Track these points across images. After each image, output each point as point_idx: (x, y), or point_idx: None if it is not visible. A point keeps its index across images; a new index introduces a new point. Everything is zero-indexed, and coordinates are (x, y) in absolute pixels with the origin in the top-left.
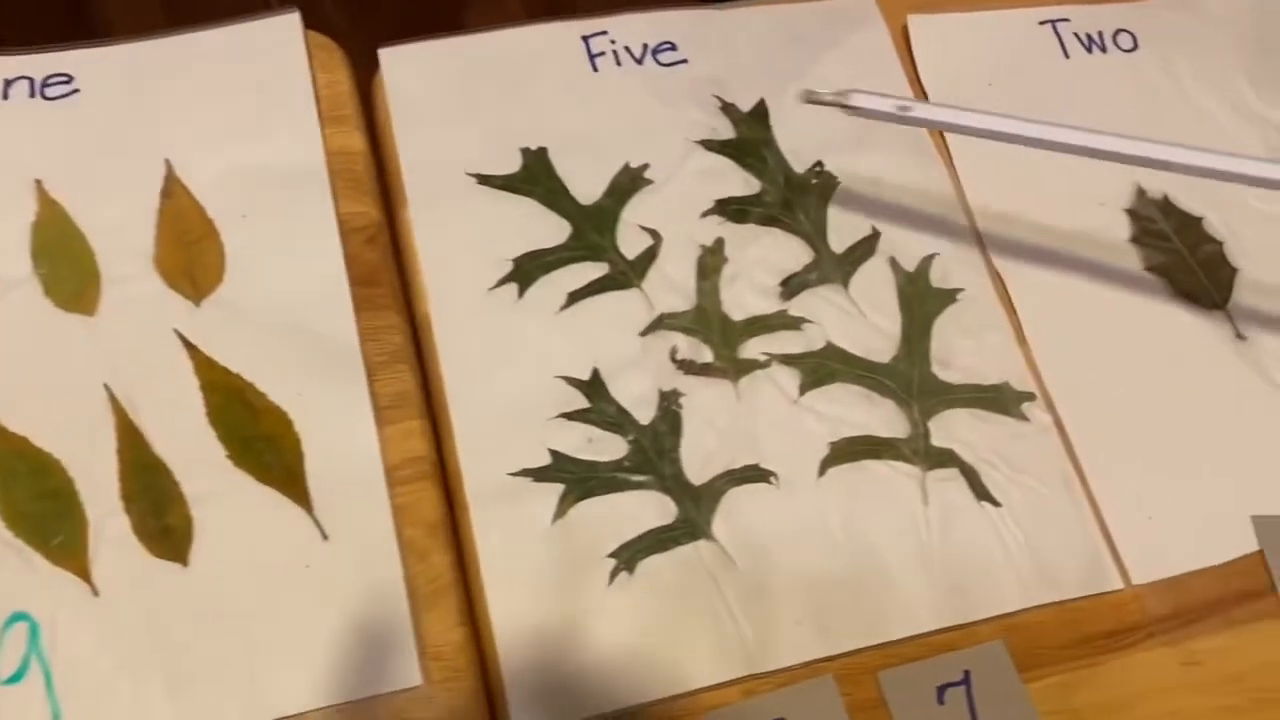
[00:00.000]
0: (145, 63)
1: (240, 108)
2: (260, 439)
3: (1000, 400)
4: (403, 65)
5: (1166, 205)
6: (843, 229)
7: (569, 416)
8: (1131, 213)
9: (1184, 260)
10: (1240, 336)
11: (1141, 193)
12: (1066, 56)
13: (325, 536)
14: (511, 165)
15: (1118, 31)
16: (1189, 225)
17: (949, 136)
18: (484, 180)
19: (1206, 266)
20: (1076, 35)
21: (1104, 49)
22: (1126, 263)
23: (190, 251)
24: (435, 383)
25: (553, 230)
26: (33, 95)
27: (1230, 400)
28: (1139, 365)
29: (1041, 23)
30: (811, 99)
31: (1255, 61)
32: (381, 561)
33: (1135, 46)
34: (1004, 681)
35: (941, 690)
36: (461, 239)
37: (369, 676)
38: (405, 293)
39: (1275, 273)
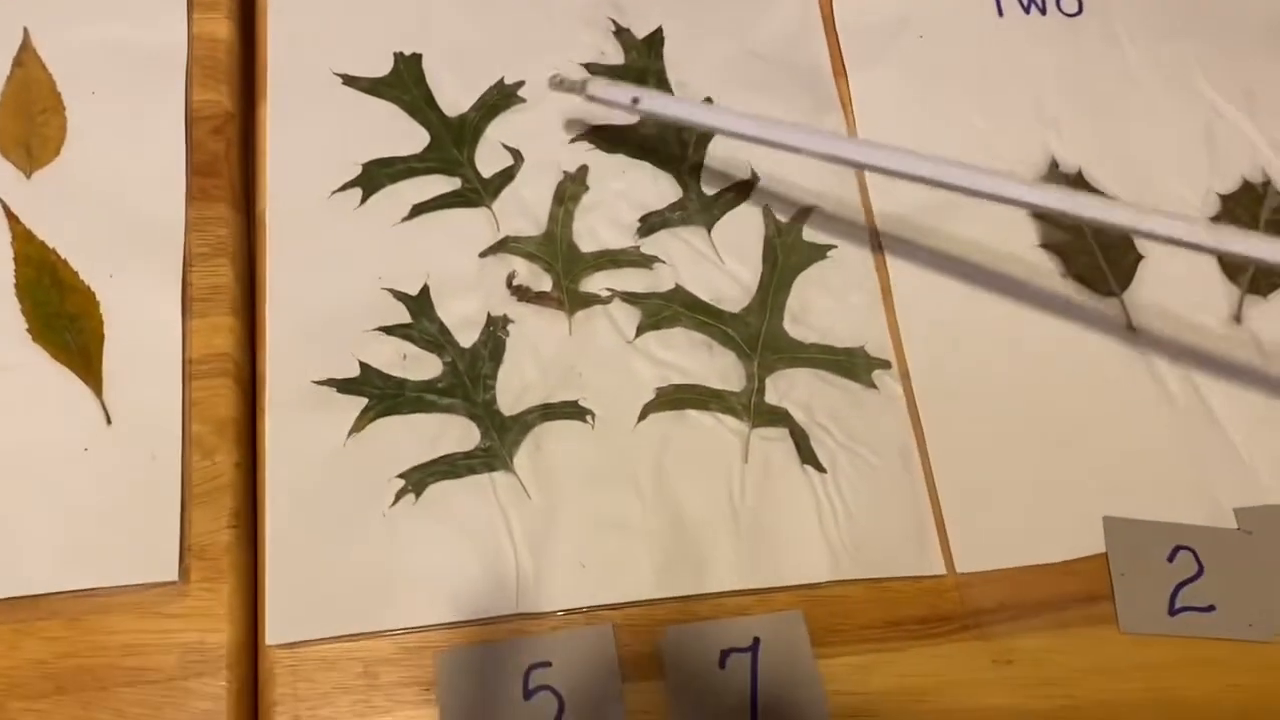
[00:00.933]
0: None
1: None
2: (63, 317)
3: (850, 365)
4: None
5: (1078, 181)
6: (719, 170)
7: (387, 330)
8: None
9: (1084, 240)
10: (1131, 327)
11: (1054, 164)
12: (1000, 14)
13: (109, 421)
14: (384, 69)
15: None
16: None
17: (854, 86)
18: (349, 81)
19: (1109, 250)
20: None
21: (1043, 10)
22: (1019, 236)
23: (33, 123)
24: (261, 282)
25: (412, 140)
26: None
27: (1107, 394)
28: (1011, 345)
29: None
30: (555, 85)
31: (1208, 40)
32: (162, 452)
33: (1080, 11)
34: (795, 654)
35: (725, 654)
36: (314, 139)
37: (125, 566)
38: (251, 189)
39: (1183, 264)
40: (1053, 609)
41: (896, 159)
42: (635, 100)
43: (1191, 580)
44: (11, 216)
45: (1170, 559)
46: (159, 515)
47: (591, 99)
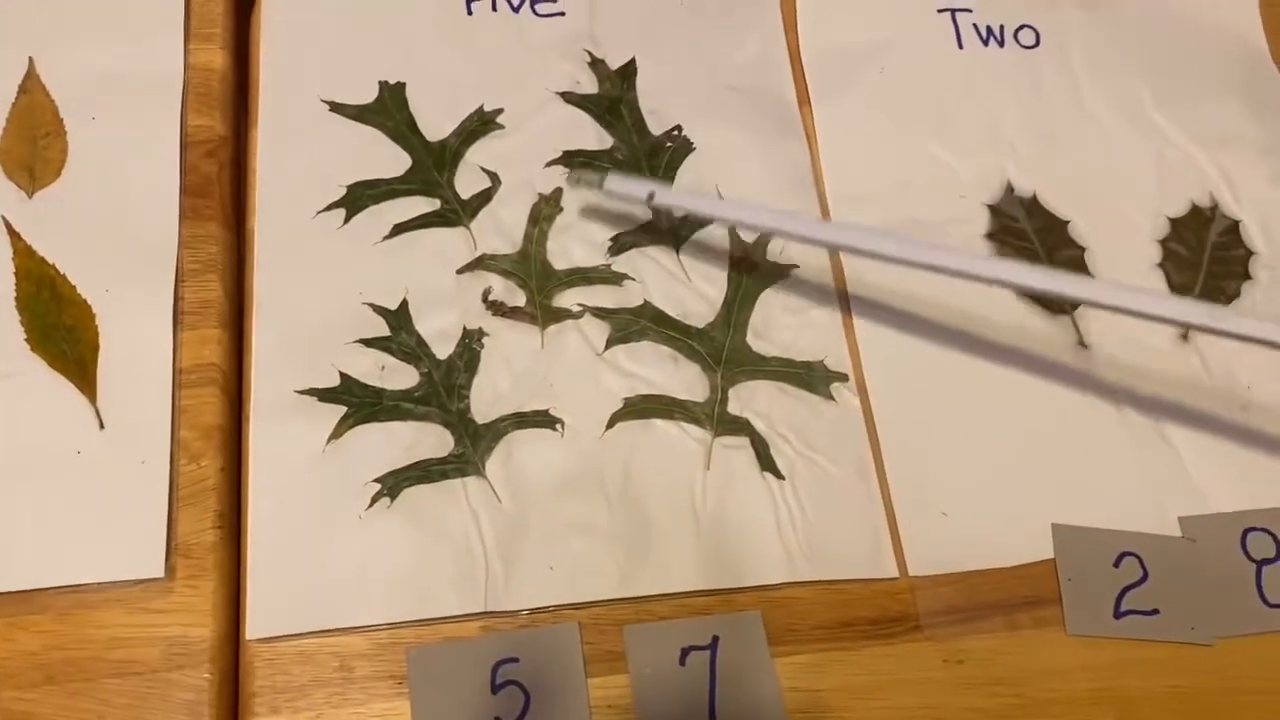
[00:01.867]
0: None
1: (110, 16)
2: (61, 328)
3: (809, 377)
4: None
5: (1033, 205)
6: (689, 193)
7: (366, 343)
8: (993, 208)
9: (1038, 262)
10: (1082, 344)
11: (1010, 189)
12: (960, 47)
13: (102, 426)
14: (370, 97)
15: (1021, 27)
16: (1053, 227)
17: (818, 116)
18: (336, 108)
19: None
20: (975, 26)
21: (1001, 43)
22: None
23: (35, 147)
24: (249, 297)
25: (394, 163)
26: None
27: (1057, 407)
28: (964, 361)
29: (940, 10)
30: (574, 183)
31: (1160, 71)
32: (151, 456)
33: (1037, 43)
34: (752, 652)
35: (685, 652)
36: (301, 162)
37: (114, 562)
38: (241, 208)
39: (1134, 283)
40: (1002, 611)
41: (902, 248)
42: (650, 195)
43: (1136, 585)
44: (14, 234)
45: (1116, 564)
46: (147, 516)
47: (610, 195)
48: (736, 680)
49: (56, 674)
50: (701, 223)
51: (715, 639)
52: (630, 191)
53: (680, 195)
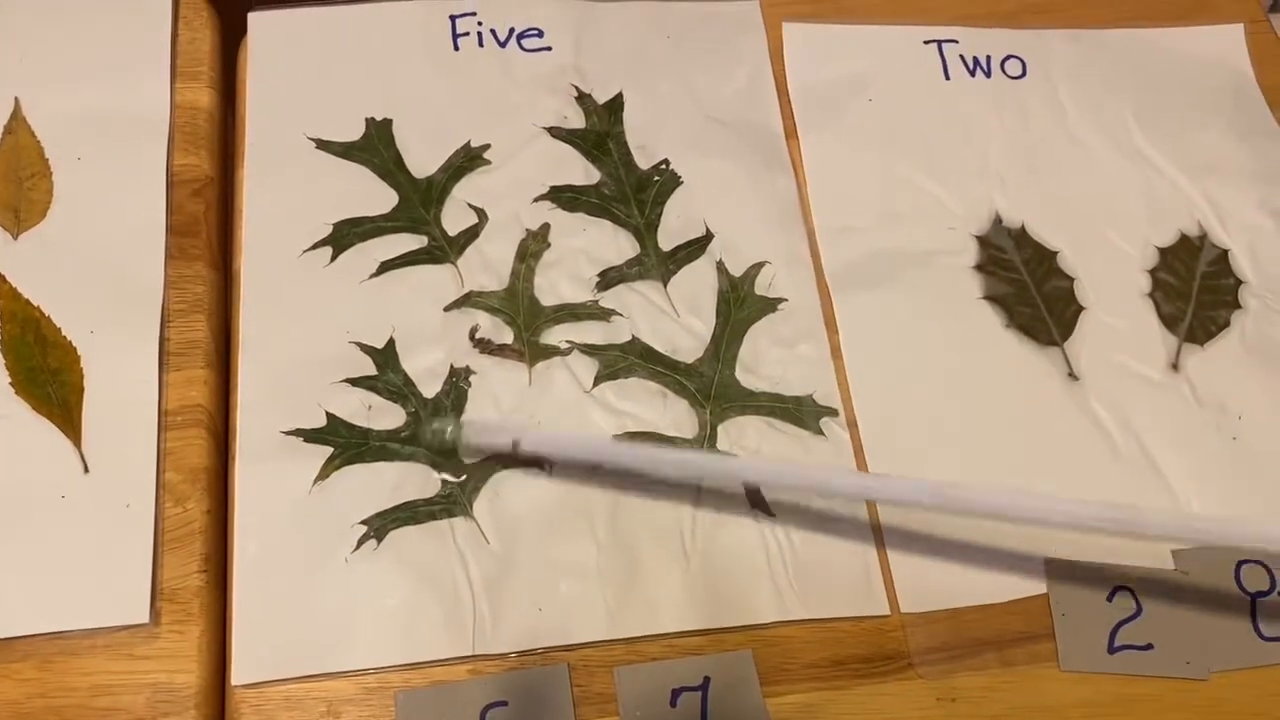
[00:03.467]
0: (8, 2)
1: (97, 56)
2: (45, 371)
3: (798, 412)
4: (270, 29)
5: (1022, 236)
6: (676, 228)
7: (353, 382)
8: (981, 239)
9: (1027, 293)
10: (1073, 376)
11: (998, 220)
12: (947, 78)
13: (87, 470)
14: (356, 134)
15: (1007, 58)
16: (1043, 258)
17: (805, 148)
18: (323, 145)
19: (1051, 301)
20: (962, 57)
21: (988, 74)
22: (964, 289)
23: (21, 187)
24: (235, 336)
25: (381, 200)
26: None
27: (1047, 439)
28: (954, 394)
29: (927, 42)
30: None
31: (1146, 100)
32: (136, 500)
33: (1023, 74)
34: (744, 692)
35: (677, 693)
36: (288, 200)
37: (98, 608)
38: (228, 248)
39: (1123, 315)
40: (995, 648)
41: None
42: (515, 443)
43: (1130, 620)
44: None
45: (1110, 599)
46: (132, 560)
47: (467, 448)
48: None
49: None
50: (690, 257)
51: (706, 679)
52: (492, 441)
53: (549, 436)
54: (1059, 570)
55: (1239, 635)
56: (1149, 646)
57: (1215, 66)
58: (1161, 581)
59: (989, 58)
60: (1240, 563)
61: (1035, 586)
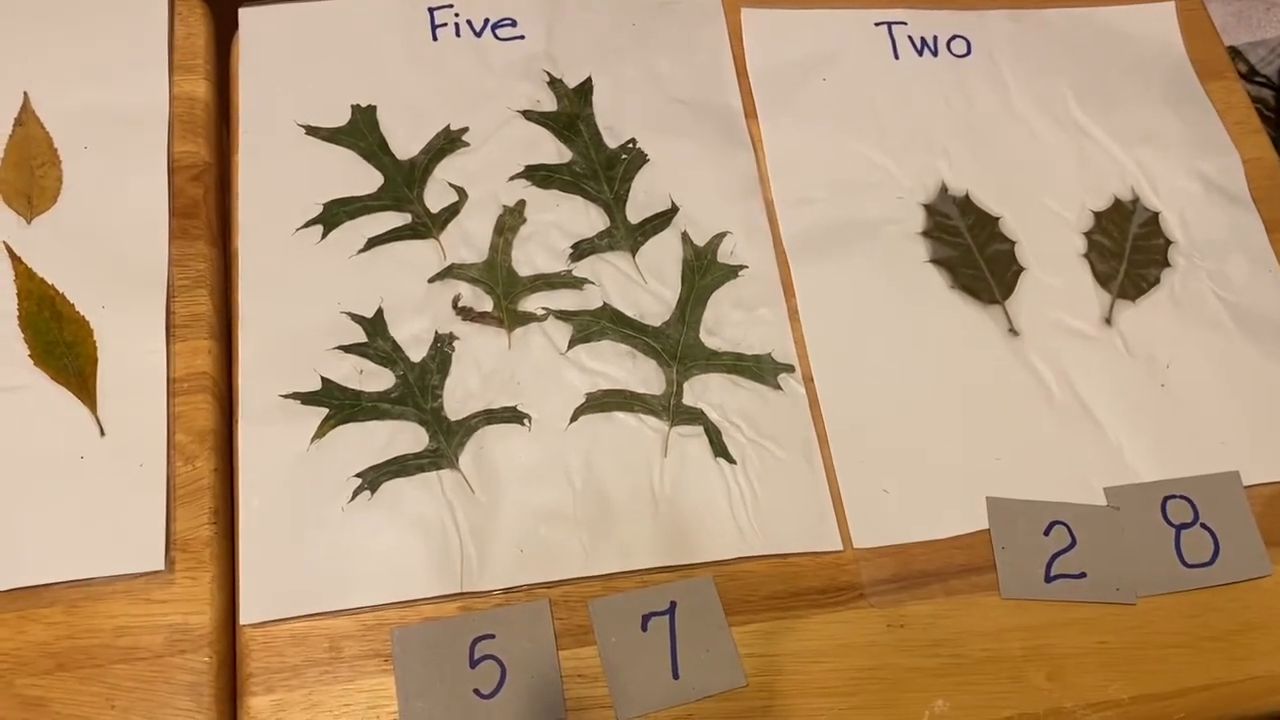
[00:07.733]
0: (14, 2)
1: (99, 51)
2: (61, 344)
3: (758, 369)
4: (260, 24)
5: (966, 203)
6: (643, 202)
7: (345, 349)
8: (928, 207)
9: (970, 256)
10: (1013, 332)
11: (944, 190)
12: (897, 58)
13: (103, 433)
14: (343, 121)
15: (953, 37)
16: (985, 224)
17: (764, 126)
18: (311, 131)
19: (993, 263)
20: (910, 38)
21: (935, 53)
22: (912, 254)
23: (32, 176)
24: (235, 309)
25: (367, 181)
26: None
27: (990, 389)
28: (903, 349)
29: (878, 24)
30: None
31: (1083, 75)
32: (149, 459)
33: (968, 52)
34: (708, 613)
35: (646, 619)
36: (280, 184)
37: (118, 557)
38: (226, 228)
39: (1060, 274)
40: (941, 579)
41: None
42: None
43: (1065, 551)
44: (15, 257)
45: (1046, 533)
46: (147, 514)
47: None
48: (695, 640)
49: (67, 661)
50: (656, 229)
51: (673, 604)
52: None
53: None
54: (1000, 508)
55: (1164, 563)
56: (1082, 575)
57: (1149, 42)
58: (1094, 516)
59: (936, 38)
60: (1166, 497)
61: (978, 522)
